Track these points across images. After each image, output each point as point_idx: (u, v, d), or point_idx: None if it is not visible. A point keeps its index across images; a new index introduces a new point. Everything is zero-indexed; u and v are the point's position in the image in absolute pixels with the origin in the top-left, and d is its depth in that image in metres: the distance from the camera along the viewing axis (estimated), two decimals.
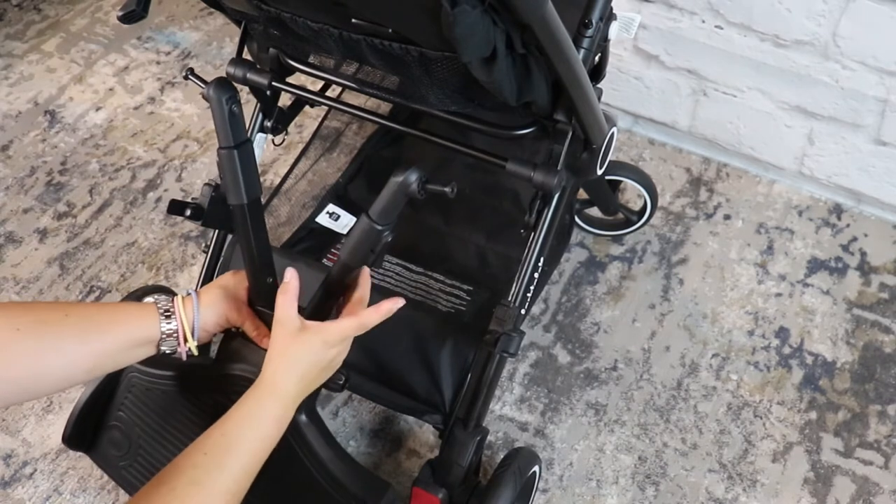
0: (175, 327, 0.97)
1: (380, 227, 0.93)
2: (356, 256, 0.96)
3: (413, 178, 0.90)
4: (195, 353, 1.00)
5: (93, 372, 0.93)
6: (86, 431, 1.17)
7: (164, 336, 0.97)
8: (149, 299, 1.00)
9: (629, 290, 1.58)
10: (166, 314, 0.97)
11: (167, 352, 0.98)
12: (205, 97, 1.00)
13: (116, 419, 1.14)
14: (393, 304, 0.98)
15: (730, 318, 1.54)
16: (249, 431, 0.89)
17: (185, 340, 0.98)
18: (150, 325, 0.96)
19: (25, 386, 0.87)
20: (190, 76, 1.11)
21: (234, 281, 1.05)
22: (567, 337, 1.51)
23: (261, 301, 1.05)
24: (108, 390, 1.17)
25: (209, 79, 1.00)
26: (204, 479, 0.84)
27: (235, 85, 1.03)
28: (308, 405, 1.07)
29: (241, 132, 1.01)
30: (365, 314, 0.97)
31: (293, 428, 1.07)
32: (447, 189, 0.91)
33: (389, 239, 0.95)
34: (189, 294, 1.00)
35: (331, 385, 1.06)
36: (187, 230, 1.67)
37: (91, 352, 0.91)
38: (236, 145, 1.00)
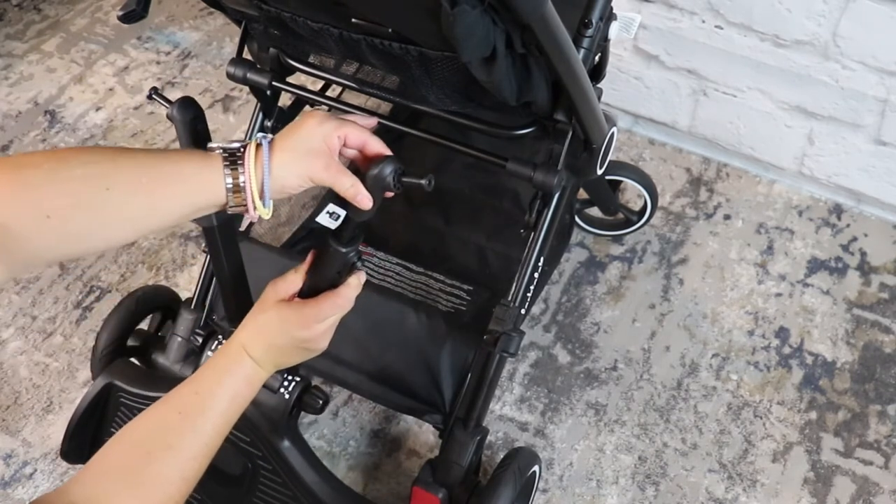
0: (242, 182, 0.81)
1: (344, 250, 0.90)
2: (325, 277, 0.92)
3: (388, 170, 0.84)
4: (266, 216, 0.85)
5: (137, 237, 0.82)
6: (83, 446, 1.17)
7: (229, 198, 0.82)
8: (213, 145, 0.83)
9: (629, 290, 1.58)
10: (231, 163, 0.81)
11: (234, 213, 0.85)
12: (169, 117, 0.95)
13: (110, 435, 1.14)
14: (358, 277, 0.93)
15: (730, 318, 1.54)
16: (222, 391, 0.87)
17: (255, 207, 0.83)
18: (212, 191, 0.81)
19: (59, 258, 0.82)
20: (154, 95, 1.03)
21: (321, 130, 0.85)
22: (567, 337, 1.51)
23: (236, 323, 1.04)
24: (99, 406, 1.16)
25: (210, 79, 1.00)
26: (178, 442, 0.82)
27: (234, 83, 1.01)
28: (290, 429, 1.06)
29: (205, 139, 0.98)
30: (338, 290, 0.91)
31: (276, 453, 1.06)
32: (423, 182, 0.85)
33: (355, 260, 0.91)
34: (260, 143, 0.83)
35: (308, 408, 1.05)
36: (187, 230, 1.67)
37: (134, 233, 0.82)
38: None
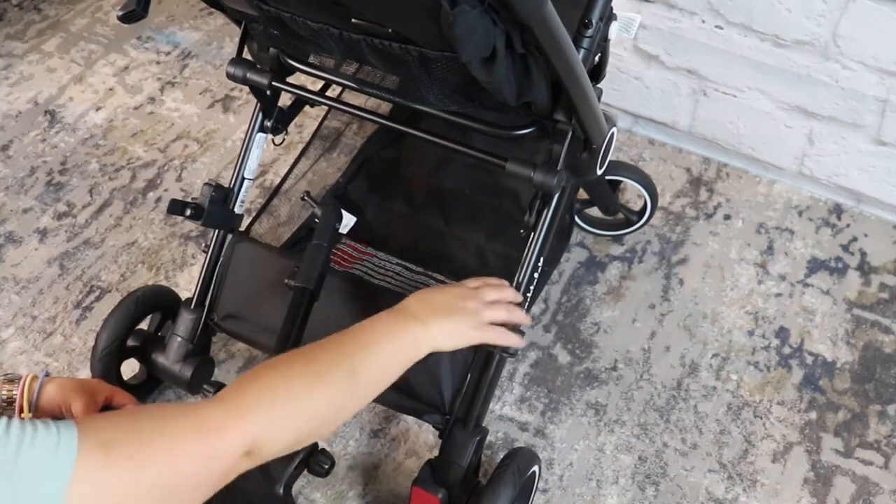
0: (15, 395, 0.99)
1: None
2: None
3: None
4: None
5: None
6: None
7: (2, 403, 0.99)
8: None
9: (629, 290, 1.58)
10: (9, 380, 0.99)
11: None
12: (314, 216, 1.20)
13: None
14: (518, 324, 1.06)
15: (730, 318, 1.54)
16: (385, 343, 0.93)
17: (21, 411, 0.99)
18: None
19: None
20: (305, 198, 1.25)
21: (101, 387, 1.05)
22: (567, 337, 1.51)
23: None
24: None
25: (210, 79, 1.01)
26: (329, 377, 0.86)
27: (234, 83, 1.04)
28: (286, 486, 1.05)
29: (334, 240, 1.20)
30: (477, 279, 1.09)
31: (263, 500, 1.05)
32: None
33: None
34: (38, 375, 1.03)
35: (315, 468, 1.06)
36: (187, 230, 1.67)
37: None
38: (328, 244, 1.17)
